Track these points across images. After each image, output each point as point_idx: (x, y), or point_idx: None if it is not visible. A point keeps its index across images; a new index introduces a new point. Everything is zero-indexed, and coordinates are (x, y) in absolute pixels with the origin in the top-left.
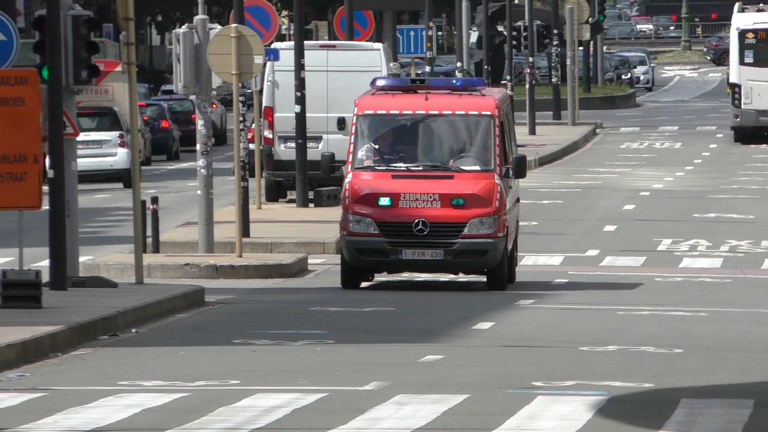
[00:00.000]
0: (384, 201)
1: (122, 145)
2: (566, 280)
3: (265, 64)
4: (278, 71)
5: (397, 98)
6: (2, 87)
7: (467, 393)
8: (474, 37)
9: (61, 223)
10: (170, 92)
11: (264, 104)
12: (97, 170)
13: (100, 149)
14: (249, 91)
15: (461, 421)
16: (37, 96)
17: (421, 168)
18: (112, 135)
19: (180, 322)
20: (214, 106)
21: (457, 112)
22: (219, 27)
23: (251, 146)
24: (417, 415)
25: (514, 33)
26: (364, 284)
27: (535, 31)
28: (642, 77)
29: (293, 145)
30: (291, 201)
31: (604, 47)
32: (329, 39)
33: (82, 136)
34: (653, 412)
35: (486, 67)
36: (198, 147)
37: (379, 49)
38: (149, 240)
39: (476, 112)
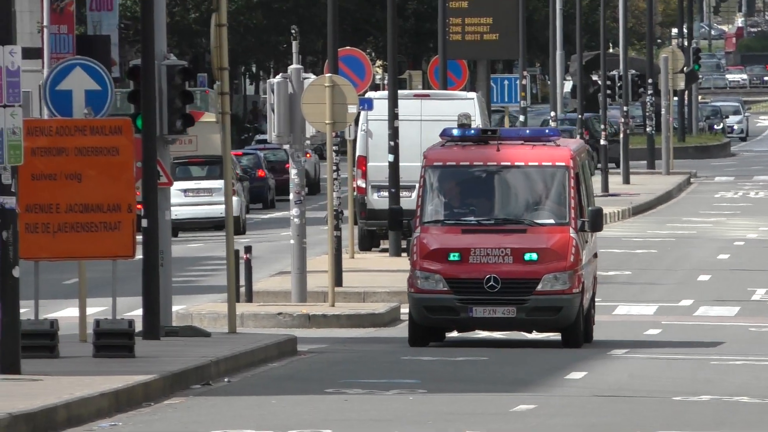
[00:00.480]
0: (454, 256)
1: (232, 193)
2: (659, 330)
3: (358, 114)
4: (372, 120)
5: (468, 149)
6: (97, 137)
7: None
8: (568, 86)
9: (155, 273)
10: (264, 141)
11: (357, 153)
12: (208, 218)
13: (211, 197)
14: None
15: None
16: (131, 145)
17: (492, 222)
18: (222, 183)
19: (272, 371)
20: (307, 155)
21: (530, 164)
22: (313, 76)
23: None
24: None
25: (609, 82)
26: (433, 343)
27: (630, 80)
28: (736, 127)
29: (386, 194)
30: (384, 250)
31: (699, 97)
32: (423, 88)
33: (192, 184)
34: None
35: (579, 116)
36: (291, 196)
37: (473, 98)
38: (242, 289)
39: (550, 163)
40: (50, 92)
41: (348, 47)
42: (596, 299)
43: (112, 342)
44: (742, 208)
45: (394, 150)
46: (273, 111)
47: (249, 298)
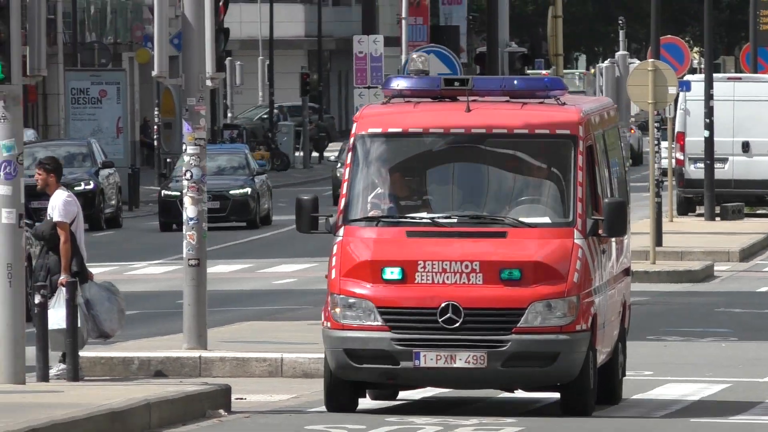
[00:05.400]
0: (392, 273)
1: None
2: None
3: (678, 95)
4: (689, 100)
5: (423, 109)
6: None
7: None
8: None
9: None
10: None
11: (677, 129)
12: None
13: None
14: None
15: None
16: None
17: (454, 220)
18: None
19: None
20: (631, 131)
21: (517, 131)
22: (637, 61)
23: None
24: None
25: None
26: (369, 404)
27: None
28: None
29: (702, 165)
30: (699, 215)
31: None
32: (735, 72)
33: None
34: None
35: None
36: None
37: None
38: None
39: (547, 131)
40: None
41: (669, 35)
42: None
43: None
44: None
45: (709, 126)
46: (602, 92)
47: None
